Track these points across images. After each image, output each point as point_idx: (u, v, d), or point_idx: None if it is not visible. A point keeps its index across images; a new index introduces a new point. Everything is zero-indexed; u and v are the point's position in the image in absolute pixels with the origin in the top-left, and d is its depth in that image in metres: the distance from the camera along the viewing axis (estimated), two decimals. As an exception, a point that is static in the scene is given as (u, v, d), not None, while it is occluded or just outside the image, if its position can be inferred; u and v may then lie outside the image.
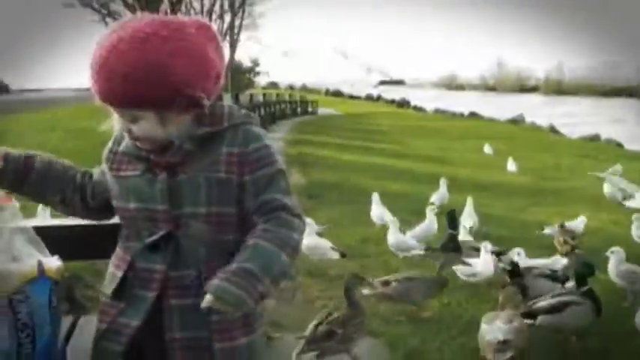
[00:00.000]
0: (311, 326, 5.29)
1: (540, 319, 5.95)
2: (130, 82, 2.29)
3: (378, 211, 10.67)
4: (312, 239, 8.14)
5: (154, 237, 2.45)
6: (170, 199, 2.43)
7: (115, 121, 2.50)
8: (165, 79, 2.31)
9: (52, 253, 2.71)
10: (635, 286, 7.35)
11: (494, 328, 5.29)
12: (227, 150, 2.45)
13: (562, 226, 9.38)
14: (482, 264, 7.56)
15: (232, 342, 2.48)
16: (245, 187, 2.44)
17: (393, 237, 8.89)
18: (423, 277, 6.67)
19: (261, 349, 2.61)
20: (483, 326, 5.41)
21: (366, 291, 6.51)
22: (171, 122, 2.42)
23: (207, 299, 2.23)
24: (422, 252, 8.65)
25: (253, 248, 2.33)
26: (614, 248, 7.68)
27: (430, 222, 9.60)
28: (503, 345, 5.16)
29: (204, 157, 2.45)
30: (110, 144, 2.63)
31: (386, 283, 6.54)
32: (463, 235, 8.97)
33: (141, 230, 2.50)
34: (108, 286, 2.59)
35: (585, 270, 6.29)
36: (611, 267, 7.47)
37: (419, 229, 9.48)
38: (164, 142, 2.43)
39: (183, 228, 2.43)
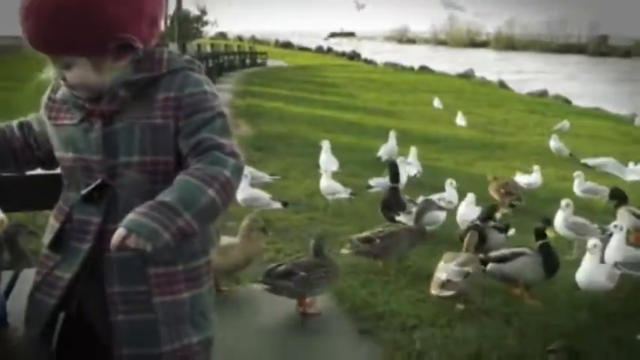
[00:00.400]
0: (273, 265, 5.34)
1: (490, 266, 6.07)
2: (58, 25, 2.18)
3: (325, 158, 10.71)
4: (249, 191, 8.07)
5: (88, 188, 2.34)
6: (105, 149, 2.32)
7: (51, 69, 2.38)
8: (95, 21, 2.20)
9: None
10: (582, 238, 7.42)
11: (445, 267, 5.62)
12: (163, 95, 2.33)
13: (495, 179, 9.76)
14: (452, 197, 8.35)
15: (174, 296, 2.39)
16: (180, 132, 2.31)
17: (325, 182, 9.13)
18: (404, 230, 6.58)
19: (209, 304, 2.52)
20: (439, 263, 5.75)
21: (345, 250, 6.47)
22: (106, 69, 2.30)
23: (119, 232, 2.11)
24: (348, 195, 9.01)
25: (176, 183, 2.22)
26: (566, 200, 7.75)
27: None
28: (447, 283, 5.48)
29: (140, 104, 2.33)
30: (48, 91, 2.50)
31: (367, 240, 6.43)
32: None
33: (79, 181, 2.39)
34: (47, 237, 2.49)
35: (543, 224, 6.42)
36: (559, 219, 7.53)
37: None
38: (101, 90, 2.32)
39: (119, 178, 2.33)
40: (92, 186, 2.33)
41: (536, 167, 10.96)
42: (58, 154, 2.43)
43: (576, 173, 10.37)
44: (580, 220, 7.66)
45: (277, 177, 9.87)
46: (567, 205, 7.66)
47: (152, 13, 2.34)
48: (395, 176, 8.14)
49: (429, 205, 7.02)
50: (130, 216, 2.14)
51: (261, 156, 12.18)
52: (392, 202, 7.88)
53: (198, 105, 2.33)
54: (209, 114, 2.33)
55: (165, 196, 2.18)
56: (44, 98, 2.51)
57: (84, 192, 2.35)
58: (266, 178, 9.40)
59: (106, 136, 2.32)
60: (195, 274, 2.44)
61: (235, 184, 2.29)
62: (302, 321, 5.35)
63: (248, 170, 8.27)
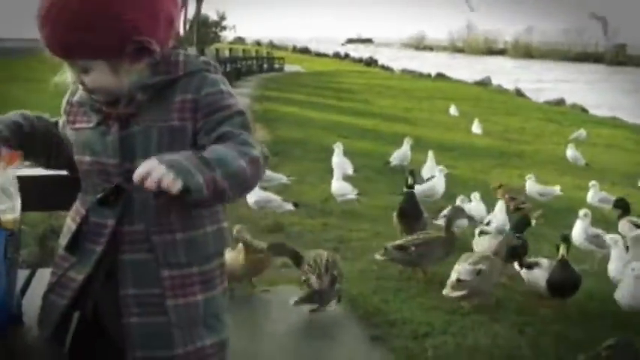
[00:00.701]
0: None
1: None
2: (75, 29, 2.19)
3: (337, 161, 10.80)
4: (260, 194, 8.11)
5: (104, 193, 2.32)
6: (122, 152, 2.32)
7: (69, 73, 2.38)
8: (113, 25, 2.21)
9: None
10: (601, 250, 7.39)
11: (458, 267, 5.79)
12: (180, 97, 2.33)
13: (500, 186, 9.87)
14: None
15: (187, 298, 2.39)
16: (200, 130, 2.30)
17: (336, 184, 9.31)
18: (439, 238, 6.52)
19: (223, 306, 2.51)
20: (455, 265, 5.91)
21: (378, 256, 6.46)
22: (124, 72, 2.30)
23: (148, 163, 2.04)
24: (354, 196, 9.23)
25: (209, 149, 2.18)
26: (584, 210, 7.71)
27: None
28: (457, 283, 5.65)
29: (158, 107, 2.33)
30: (67, 95, 2.52)
31: (402, 248, 6.41)
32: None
33: (95, 184, 2.40)
34: (63, 239, 2.49)
35: (523, 221, 6.80)
36: (578, 230, 7.48)
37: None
38: (119, 93, 2.32)
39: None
40: (107, 191, 2.32)
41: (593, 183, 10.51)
42: (77, 157, 2.44)
43: (591, 183, 10.27)
44: (599, 232, 7.59)
45: (293, 178, 9.96)
46: (585, 215, 7.61)
47: (168, 15, 2.35)
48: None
49: (458, 213, 7.01)
50: (170, 156, 2.08)
51: (278, 160, 12.19)
52: (409, 210, 7.73)
53: (216, 104, 2.32)
54: (227, 112, 2.31)
55: (200, 152, 2.14)
56: (63, 102, 2.53)
57: (99, 196, 2.33)
58: (284, 179, 9.57)
59: (123, 140, 2.33)
60: (209, 276, 2.44)
61: (262, 167, 2.25)
62: (313, 325, 5.35)
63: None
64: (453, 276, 5.72)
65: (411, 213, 7.66)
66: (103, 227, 2.38)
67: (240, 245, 5.80)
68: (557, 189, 10.79)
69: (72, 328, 2.47)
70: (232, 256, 5.59)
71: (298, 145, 14.35)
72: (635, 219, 8.48)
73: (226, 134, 2.26)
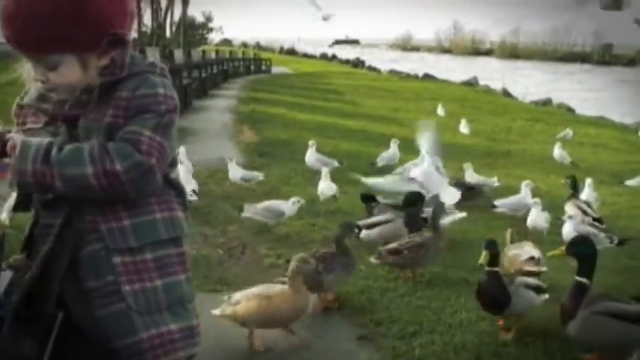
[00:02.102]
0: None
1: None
2: (52, 24, 2.29)
3: (312, 157, 11.27)
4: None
5: (48, 197, 2.44)
6: None
7: (24, 73, 2.46)
8: (90, 18, 2.31)
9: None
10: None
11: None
12: (118, 95, 2.40)
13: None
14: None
15: (144, 283, 2.44)
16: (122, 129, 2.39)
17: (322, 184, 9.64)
18: (430, 239, 6.47)
19: (187, 294, 2.57)
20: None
21: (373, 259, 6.44)
22: (91, 66, 2.40)
23: (15, 141, 2.30)
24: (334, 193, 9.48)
25: (76, 146, 2.33)
26: (570, 213, 7.76)
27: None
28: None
29: (99, 106, 2.41)
30: (17, 99, 2.58)
31: (395, 252, 6.38)
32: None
33: None
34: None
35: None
36: (567, 229, 7.50)
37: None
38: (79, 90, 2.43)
39: None
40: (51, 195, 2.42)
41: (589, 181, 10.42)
42: None
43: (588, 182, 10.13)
44: (589, 229, 7.63)
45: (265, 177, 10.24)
46: (570, 217, 7.66)
47: (132, 7, 2.44)
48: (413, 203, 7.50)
49: (440, 208, 7.01)
50: (32, 140, 2.32)
51: (264, 162, 12.19)
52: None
53: (144, 106, 2.39)
54: (149, 115, 2.39)
55: (62, 147, 2.31)
56: (14, 107, 2.58)
57: (46, 197, 2.44)
58: (260, 176, 9.99)
59: (71, 140, 2.39)
60: (165, 262, 2.48)
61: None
62: (300, 325, 5.34)
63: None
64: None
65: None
66: (51, 227, 2.43)
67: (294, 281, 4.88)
68: (494, 180, 11.14)
69: (55, 330, 2.47)
70: (291, 294, 4.83)
71: (285, 146, 14.33)
72: (580, 202, 9.00)
73: (126, 134, 2.35)
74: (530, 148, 17.85)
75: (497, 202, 9.14)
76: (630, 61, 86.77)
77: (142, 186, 2.36)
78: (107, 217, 2.39)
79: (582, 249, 4.94)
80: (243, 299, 4.81)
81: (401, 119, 22.61)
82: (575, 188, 9.38)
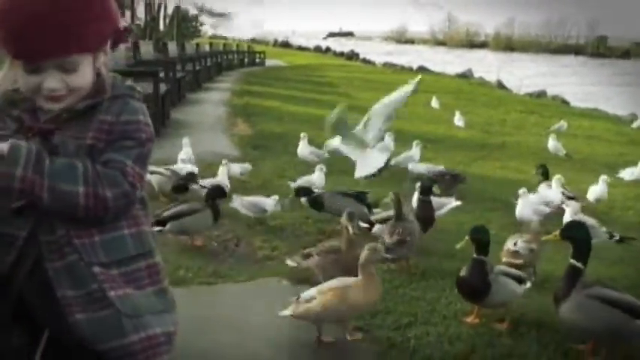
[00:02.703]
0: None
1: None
2: (73, 22, 2.27)
3: (305, 150, 11.52)
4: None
5: (18, 203, 2.38)
6: None
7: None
8: (102, 12, 2.34)
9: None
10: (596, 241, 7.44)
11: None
12: (101, 117, 2.42)
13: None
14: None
15: (124, 290, 2.45)
16: (102, 152, 2.41)
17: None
18: (410, 223, 6.49)
19: (163, 304, 2.57)
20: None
21: (290, 262, 6.39)
22: (99, 65, 2.43)
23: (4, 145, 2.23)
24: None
25: (71, 162, 2.32)
26: (569, 202, 7.75)
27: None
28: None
29: (77, 124, 2.41)
30: None
31: (400, 243, 6.29)
32: None
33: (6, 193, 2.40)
34: None
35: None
36: (567, 218, 7.50)
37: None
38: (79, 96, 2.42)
39: None
40: (21, 202, 2.36)
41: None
42: None
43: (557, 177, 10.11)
44: (589, 220, 7.62)
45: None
46: (568, 206, 7.66)
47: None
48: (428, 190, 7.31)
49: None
50: (22, 142, 2.27)
51: (259, 154, 12.18)
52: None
53: (127, 134, 2.43)
54: (132, 143, 2.43)
55: (52, 160, 2.29)
56: None
57: (14, 205, 2.38)
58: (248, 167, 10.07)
59: (49, 154, 2.35)
60: (134, 276, 2.49)
61: (111, 207, 2.36)
62: (294, 319, 5.34)
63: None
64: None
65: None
66: (14, 239, 2.39)
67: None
68: (441, 167, 11.40)
69: (41, 346, 2.48)
70: (363, 285, 4.74)
71: (279, 138, 14.30)
72: (551, 182, 9.61)
73: (111, 162, 2.38)
74: (525, 140, 17.85)
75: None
76: (624, 54, 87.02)
77: (121, 213, 2.43)
78: (79, 232, 2.39)
79: (576, 233, 4.95)
80: (317, 295, 4.76)
81: (395, 111, 22.58)
82: (547, 177, 9.84)
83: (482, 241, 5.29)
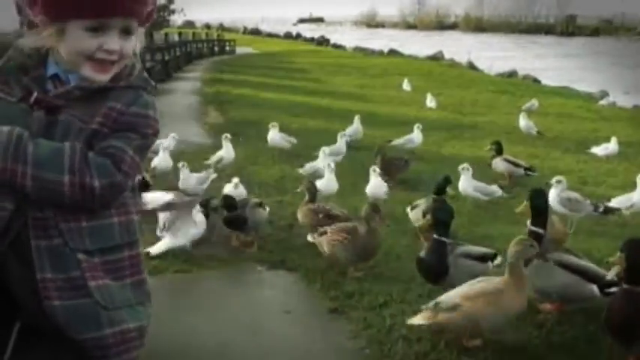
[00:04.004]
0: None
1: None
2: None
3: (276, 137, 11.48)
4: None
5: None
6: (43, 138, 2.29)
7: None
8: None
9: None
10: (576, 214, 7.61)
11: None
12: (111, 104, 2.35)
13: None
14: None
15: (104, 280, 2.40)
16: (105, 137, 2.34)
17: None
18: (354, 228, 6.29)
19: (138, 296, 2.52)
20: None
21: (311, 238, 6.40)
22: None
23: None
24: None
25: (58, 147, 2.25)
26: (558, 177, 7.81)
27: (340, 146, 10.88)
28: None
29: (85, 105, 2.34)
30: None
31: None
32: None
33: None
34: None
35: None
36: (552, 196, 7.55)
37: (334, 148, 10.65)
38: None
39: None
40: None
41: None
42: None
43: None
44: (573, 195, 7.71)
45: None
46: (559, 182, 7.71)
47: None
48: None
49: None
50: (4, 127, 2.20)
51: (231, 142, 12.12)
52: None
53: (133, 125, 2.38)
54: (135, 135, 2.38)
55: (36, 145, 2.22)
56: None
57: None
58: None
59: (47, 128, 2.31)
60: (116, 265, 2.44)
61: (97, 196, 2.30)
62: (272, 301, 5.35)
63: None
64: None
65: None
66: (2, 210, 2.33)
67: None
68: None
69: (12, 338, 2.44)
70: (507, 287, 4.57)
71: (251, 126, 14.25)
72: (507, 156, 10.26)
73: (110, 148, 2.32)
74: (497, 120, 17.92)
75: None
76: (594, 31, 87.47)
77: (109, 203, 2.36)
78: (67, 216, 2.32)
79: (535, 201, 5.18)
80: (462, 301, 4.45)
81: (367, 95, 22.62)
82: (501, 153, 10.35)
83: (441, 220, 5.31)
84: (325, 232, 6.06)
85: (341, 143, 10.94)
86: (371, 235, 5.82)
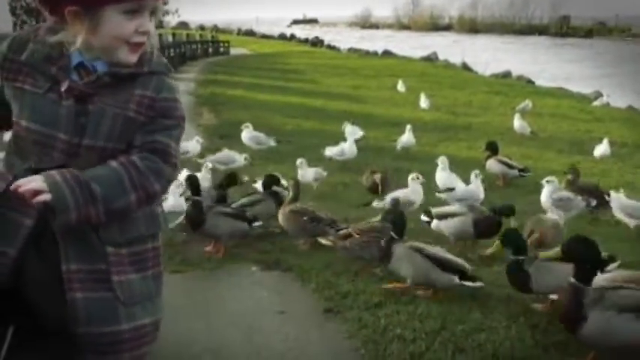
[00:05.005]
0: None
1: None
2: None
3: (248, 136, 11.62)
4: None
5: (46, 165, 2.33)
6: (74, 128, 2.33)
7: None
8: None
9: None
10: (569, 213, 7.59)
11: None
12: (140, 92, 2.40)
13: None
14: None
15: (127, 276, 2.45)
16: (144, 128, 2.40)
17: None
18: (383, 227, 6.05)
19: (157, 289, 2.59)
20: None
21: (325, 241, 6.38)
22: None
23: (36, 183, 2.20)
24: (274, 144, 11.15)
25: (113, 173, 2.31)
26: (548, 177, 7.84)
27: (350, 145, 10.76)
28: None
29: (115, 93, 2.38)
30: (4, 49, 2.44)
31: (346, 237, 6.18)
32: None
33: (28, 151, 2.38)
34: None
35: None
36: (544, 196, 7.62)
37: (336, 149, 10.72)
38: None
39: (77, 159, 2.34)
40: (52, 164, 2.31)
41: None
42: (16, 118, 2.39)
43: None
44: (564, 194, 7.74)
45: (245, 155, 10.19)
46: (549, 182, 7.75)
47: None
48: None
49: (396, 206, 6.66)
50: (57, 177, 2.21)
51: (225, 143, 12.10)
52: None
53: (168, 111, 2.44)
54: (172, 122, 2.45)
55: (97, 182, 2.26)
56: None
57: (39, 166, 2.32)
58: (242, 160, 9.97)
59: (77, 116, 2.33)
60: (141, 257, 2.50)
61: (159, 197, 2.48)
62: (267, 301, 5.36)
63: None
64: None
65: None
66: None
67: None
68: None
69: (6, 342, 2.45)
70: None
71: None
72: (501, 157, 10.28)
73: (155, 143, 2.40)
74: (491, 121, 17.95)
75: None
76: (588, 33, 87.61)
77: (160, 197, 2.53)
78: None
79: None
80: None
81: (362, 96, 22.64)
82: (496, 152, 10.39)
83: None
84: (349, 235, 6.04)
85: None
86: None
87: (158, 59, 2.50)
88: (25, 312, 2.40)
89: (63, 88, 2.33)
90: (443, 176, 8.77)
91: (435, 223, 6.83)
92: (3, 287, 2.37)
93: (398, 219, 5.70)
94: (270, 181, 7.37)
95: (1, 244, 2.37)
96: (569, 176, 8.75)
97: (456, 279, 5.32)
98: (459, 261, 5.47)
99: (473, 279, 5.38)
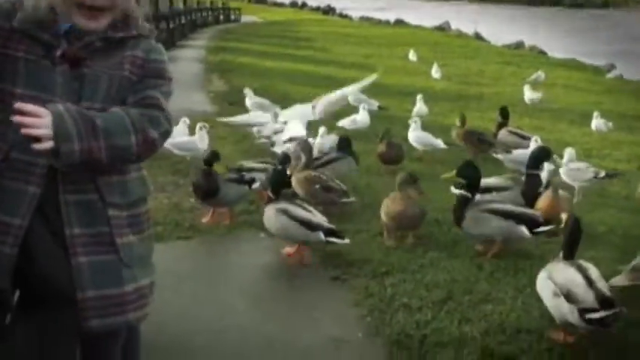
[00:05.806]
0: None
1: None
2: None
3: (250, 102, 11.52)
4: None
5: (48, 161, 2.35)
6: (70, 93, 2.36)
7: None
8: None
9: None
10: (582, 184, 7.63)
11: None
12: (131, 53, 2.47)
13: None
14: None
15: (128, 237, 2.49)
16: (135, 87, 2.46)
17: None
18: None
19: (151, 251, 2.65)
20: None
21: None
22: None
23: (46, 119, 2.17)
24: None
25: (115, 113, 2.34)
26: (567, 149, 7.82)
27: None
28: None
29: (107, 56, 2.43)
30: None
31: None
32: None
33: None
34: None
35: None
36: (566, 160, 7.75)
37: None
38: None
39: None
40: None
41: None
42: (5, 85, 2.37)
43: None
44: (574, 164, 7.72)
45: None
46: (567, 153, 7.75)
47: None
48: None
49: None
50: (60, 107, 2.21)
51: (234, 110, 12.07)
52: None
53: (158, 72, 2.53)
54: (162, 81, 2.54)
55: (99, 117, 2.27)
56: None
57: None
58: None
59: (72, 81, 2.37)
60: (137, 220, 2.55)
61: (158, 146, 2.47)
62: (274, 268, 5.36)
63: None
64: None
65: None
66: (33, 165, 2.33)
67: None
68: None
69: (13, 305, 2.45)
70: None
71: (255, 94, 14.17)
72: (512, 128, 10.14)
73: (148, 99, 2.45)
74: (503, 91, 17.85)
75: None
76: (603, 4, 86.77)
77: (147, 158, 2.51)
78: (101, 172, 2.42)
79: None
80: None
81: (373, 65, 22.49)
82: (507, 118, 10.20)
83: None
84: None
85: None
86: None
87: (145, 23, 2.56)
88: (31, 280, 2.40)
89: (58, 54, 2.32)
90: (417, 135, 9.25)
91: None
92: (9, 256, 2.36)
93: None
94: (345, 143, 7.77)
95: (5, 215, 2.36)
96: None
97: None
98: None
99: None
